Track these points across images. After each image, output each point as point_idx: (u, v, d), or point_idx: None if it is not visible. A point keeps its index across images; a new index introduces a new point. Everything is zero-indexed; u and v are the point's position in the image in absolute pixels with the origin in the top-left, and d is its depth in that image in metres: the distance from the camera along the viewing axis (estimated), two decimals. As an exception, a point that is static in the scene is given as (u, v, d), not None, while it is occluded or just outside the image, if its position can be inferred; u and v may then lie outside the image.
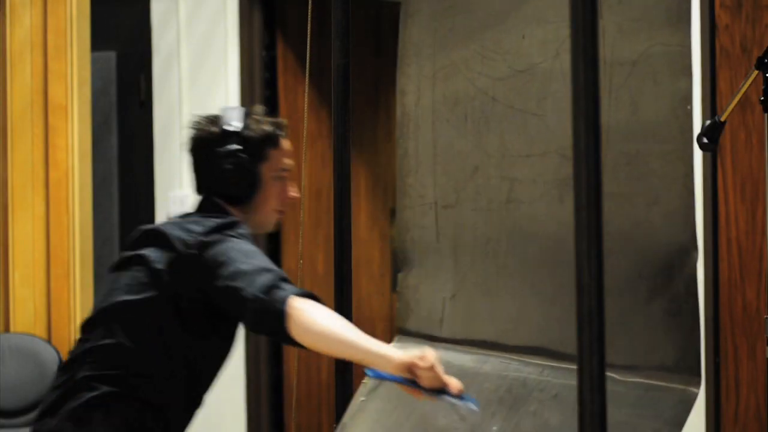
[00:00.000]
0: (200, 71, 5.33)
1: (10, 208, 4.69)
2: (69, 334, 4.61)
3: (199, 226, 2.61)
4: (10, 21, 4.69)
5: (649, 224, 2.21)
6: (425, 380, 2.20)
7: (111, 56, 5.46)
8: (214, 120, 2.76)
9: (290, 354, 5.22)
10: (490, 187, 2.59)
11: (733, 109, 3.20)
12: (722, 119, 3.18)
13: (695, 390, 2.08)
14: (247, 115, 2.77)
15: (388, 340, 2.88)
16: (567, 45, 2.37)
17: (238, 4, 5.23)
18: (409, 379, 2.21)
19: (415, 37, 2.87)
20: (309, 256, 5.31)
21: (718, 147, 3.95)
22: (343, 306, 2.90)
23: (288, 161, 2.83)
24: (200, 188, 2.79)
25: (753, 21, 4.09)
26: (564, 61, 2.37)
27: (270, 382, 5.21)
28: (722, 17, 4.12)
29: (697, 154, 4.09)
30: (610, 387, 2.19)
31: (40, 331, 4.69)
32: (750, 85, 3.15)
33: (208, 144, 2.73)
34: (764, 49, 3.12)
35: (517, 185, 2.50)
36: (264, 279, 2.42)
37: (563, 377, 2.29)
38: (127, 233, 5.70)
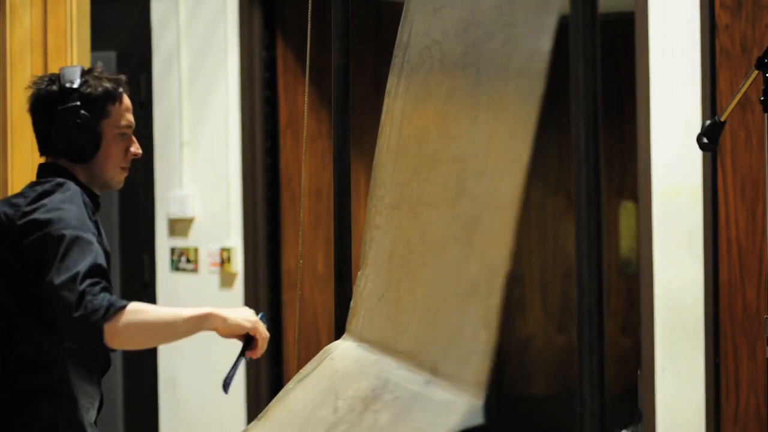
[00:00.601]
0: (200, 71, 5.33)
1: (10, 208, 4.69)
2: (69, 334, 4.61)
3: (23, 200, 2.62)
4: (10, 21, 4.69)
5: (484, 235, 2.24)
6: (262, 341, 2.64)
7: (111, 56, 5.46)
8: (54, 79, 2.76)
9: (290, 354, 5.22)
10: (419, 189, 2.63)
11: (733, 109, 3.20)
12: (722, 119, 3.18)
13: (479, 403, 2.14)
14: (87, 73, 2.77)
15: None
16: (486, 51, 2.40)
17: (238, 4, 5.23)
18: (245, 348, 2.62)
19: (405, 37, 2.88)
20: (309, 256, 5.31)
21: (718, 147, 3.95)
22: (343, 306, 2.90)
23: (130, 117, 2.82)
24: (44, 149, 2.78)
25: (753, 21, 4.09)
26: (482, 65, 2.40)
27: (270, 382, 5.21)
28: (722, 17, 4.12)
29: (697, 154, 4.10)
30: (428, 393, 2.25)
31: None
32: (750, 85, 3.15)
33: (47, 103, 2.73)
34: (764, 49, 3.12)
35: (432, 188, 2.54)
36: (72, 293, 2.42)
37: (409, 382, 2.35)
38: (127, 233, 5.72)
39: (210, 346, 5.21)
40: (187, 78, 5.34)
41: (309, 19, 2.96)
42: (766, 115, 3.14)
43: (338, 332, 2.89)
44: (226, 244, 5.25)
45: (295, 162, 5.35)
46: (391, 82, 2.91)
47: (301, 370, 2.85)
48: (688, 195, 4.19)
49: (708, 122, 3.20)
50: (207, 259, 5.29)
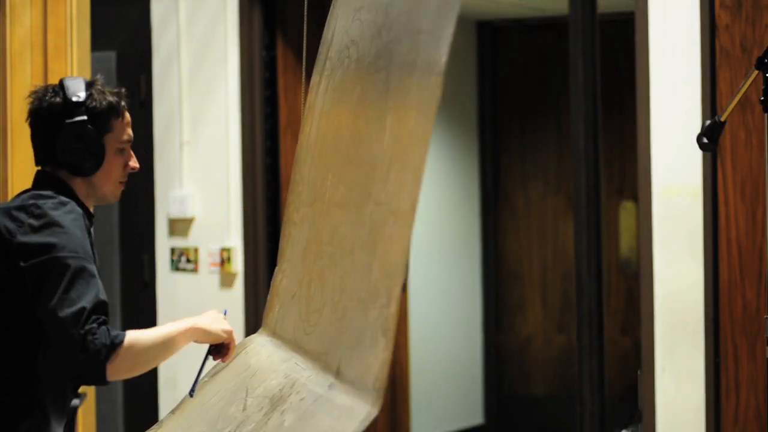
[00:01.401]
0: (200, 71, 5.33)
1: (10, 208, 4.69)
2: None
3: (26, 215, 2.59)
4: (10, 21, 4.69)
5: (386, 243, 2.24)
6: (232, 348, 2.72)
7: (111, 56, 5.46)
8: (56, 90, 2.73)
9: (290, 354, 5.23)
10: (331, 189, 2.62)
11: (733, 109, 3.20)
12: (722, 119, 3.18)
13: (375, 411, 2.14)
14: (90, 86, 2.75)
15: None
16: (396, 54, 2.39)
17: (238, 4, 5.23)
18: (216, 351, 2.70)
19: (329, 34, 2.88)
20: (309, 256, 5.31)
21: (718, 147, 3.95)
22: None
23: (130, 132, 2.82)
24: (43, 160, 2.75)
25: (753, 21, 4.09)
26: (392, 69, 2.38)
27: (270, 382, 5.21)
28: (722, 17, 4.12)
29: (697, 154, 4.10)
30: (330, 396, 2.24)
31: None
32: (750, 85, 3.16)
33: (51, 115, 2.70)
34: (764, 49, 3.12)
35: (344, 189, 2.53)
36: (76, 330, 2.43)
37: (315, 384, 2.35)
38: (127, 233, 5.72)
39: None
40: (187, 78, 5.34)
41: (305, 19, 2.96)
42: (766, 115, 3.14)
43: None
44: (226, 244, 5.25)
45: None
46: (315, 78, 2.90)
47: (216, 364, 2.87)
48: (688, 195, 4.19)
49: (708, 122, 3.20)
50: (207, 259, 5.29)
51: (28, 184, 2.80)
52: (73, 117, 2.69)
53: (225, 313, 2.75)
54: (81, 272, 2.52)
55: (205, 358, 2.71)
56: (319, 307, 2.52)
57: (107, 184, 2.78)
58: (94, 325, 2.44)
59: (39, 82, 4.72)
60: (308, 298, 2.62)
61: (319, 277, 2.58)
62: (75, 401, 2.85)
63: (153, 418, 5.34)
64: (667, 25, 4.22)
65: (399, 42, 2.33)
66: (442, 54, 2.09)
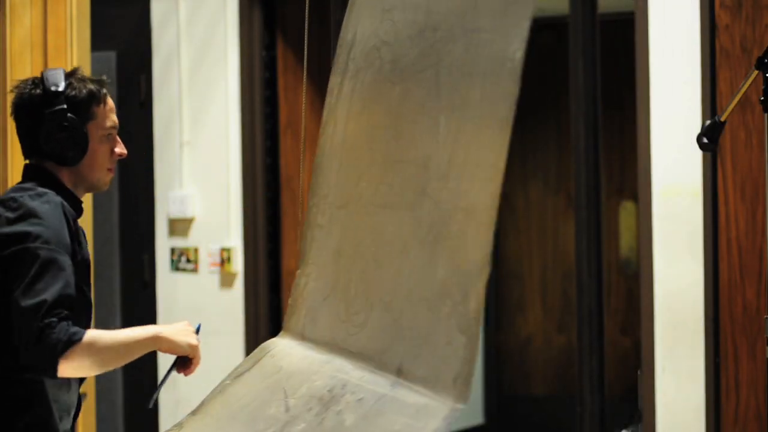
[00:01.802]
0: (200, 71, 5.33)
1: (10, 208, 4.69)
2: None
3: (3, 209, 2.62)
4: (10, 21, 4.69)
5: (461, 239, 2.24)
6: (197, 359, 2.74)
7: (111, 56, 5.46)
8: (37, 82, 2.74)
9: (290, 354, 5.23)
10: (370, 190, 2.61)
11: (733, 109, 3.20)
12: (722, 119, 3.18)
13: (460, 407, 2.14)
14: (70, 75, 2.76)
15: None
16: (447, 55, 2.39)
17: (238, 4, 5.23)
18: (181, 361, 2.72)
19: (349, 36, 2.87)
20: (309, 256, 5.31)
21: (718, 147, 3.95)
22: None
23: (114, 118, 2.81)
24: (29, 153, 2.78)
25: (753, 21, 4.09)
26: (442, 69, 2.39)
27: (270, 382, 5.21)
28: (722, 17, 4.12)
29: (697, 154, 4.10)
30: (397, 395, 2.24)
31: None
32: (750, 85, 3.15)
33: (32, 106, 2.72)
34: (764, 49, 3.12)
35: (389, 190, 2.53)
36: (35, 322, 2.45)
37: (373, 384, 2.34)
38: (127, 233, 5.72)
39: (210, 347, 5.21)
40: (187, 78, 5.34)
41: (306, 18, 2.96)
42: (766, 115, 3.14)
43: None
44: (226, 244, 5.25)
45: (295, 162, 5.35)
46: (334, 80, 2.89)
47: (237, 366, 2.85)
48: (688, 195, 4.19)
49: (708, 122, 3.20)
50: (207, 259, 5.29)
51: (28, 184, 2.81)
52: (53, 107, 2.70)
53: (198, 328, 2.75)
54: (50, 264, 2.53)
55: (170, 369, 2.72)
56: (364, 308, 2.51)
57: (95, 172, 2.78)
58: (54, 319, 2.45)
59: (39, 82, 4.73)
60: (347, 300, 2.61)
61: (359, 278, 2.57)
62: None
63: (153, 418, 5.34)
64: (667, 25, 4.22)
65: (450, 41, 2.33)
66: (515, 50, 2.09)
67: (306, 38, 2.98)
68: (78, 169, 2.76)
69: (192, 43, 5.34)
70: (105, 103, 2.78)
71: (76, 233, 2.68)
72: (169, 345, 2.66)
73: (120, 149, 2.82)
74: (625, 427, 4.76)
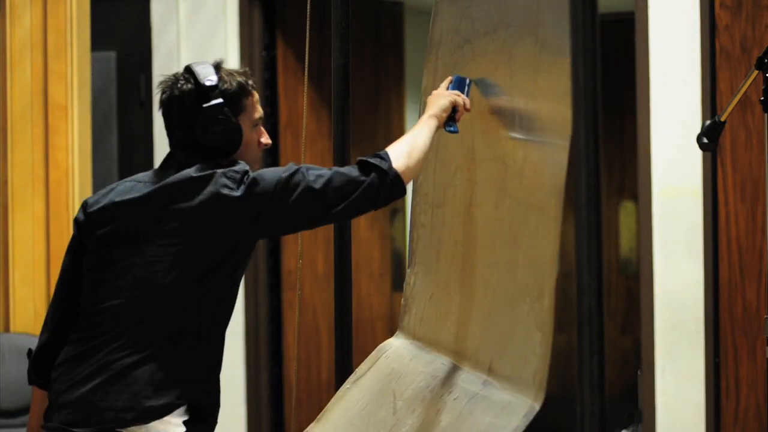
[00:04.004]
0: (200, 71, 5.33)
1: (10, 208, 4.69)
2: (69, 334, 4.61)
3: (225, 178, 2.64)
4: (10, 21, 4.69)
5: (532, 237, 2.24)
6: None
7: (111, 56, 5.46)
8: (187, 77, 2.75)
9: (290, 354, 5.22)
10: (461, 189, 2.63)
11: (733, 109, 3.20)
12: (722, 119, 3.18)
13: (537, 406, 2.14)
14: (218, 69, 2.77)
15: (387, 338, 2.91)
16: (515, 50, 2.40)
17: (238, 4, 5.23)
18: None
19: (436, 36, 2.88)
20: (309, 256, 5.31)
21: (718, 147, 3.95)
22: (343, 306, 2.90)
23: (260, 109, 2.83)
24: (181, 146, 2.75)
25: (753, 21, 4.09)
26: (512, 65, 2.40)
27: (270, 382, 5.21)
28: (722, 17, 4.12)
29: (697, 154, 4.10)
30: (486, 393, 2.23)
31: (40, 331, 4.69)
32: (750, 85, 3.15)
33: (187, 101, 2.72)
34: (764, 49, 3.12)
35: (476, 188, 2.54)
36: (349, 170, 2.63)
37: (467, 383, 2.34)
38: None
39: (210, 346, 5.21)
40: (187, 78, 5.34)
41: (308, 18, 2.96)
42: (766, 115, 3.13)
43: (338, 332, 2.89)
44: (226, 244, 5.24)
45: (295, 162, 5.35)
46: (426, 79, 2.90)
47: (356, 370, 2.83)
48: (688, 195, 4.19)
49: (708, 122, 3.20)
50: (207, 259, 5.28)
51: (29, 184, 2.81)
52: (209, 101, 2.71)
53: (457, 81, 2.74)
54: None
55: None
56: (463, 307, 2.52)
57: (247, 163, 2.77)
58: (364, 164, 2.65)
59: (39, 82, 4.72)
60: (447, 298, 2.61)
61: (457, 276, 2.58)
62: None
63: (153, 418, 5.34)
64: (667, 25, 4.22)
65: (520, 38, 2.34)
66: (567, 45, 2.13)
67: (307, 38, 2.99)
68: (229, 161, 2.75)
69: (192, 43, 5.34)
70: (252, 95, 2.80)
71: None
72: (440, 114, 2.68)
73: (265, 139, 2.83)
74: (625, 427, 4.76)
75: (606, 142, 4.45)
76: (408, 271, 2.93)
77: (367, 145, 5.60)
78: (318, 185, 2.64)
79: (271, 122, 5.30)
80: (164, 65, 5.39)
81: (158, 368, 2.60)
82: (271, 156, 5.29)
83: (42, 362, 2.81)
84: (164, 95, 2.76)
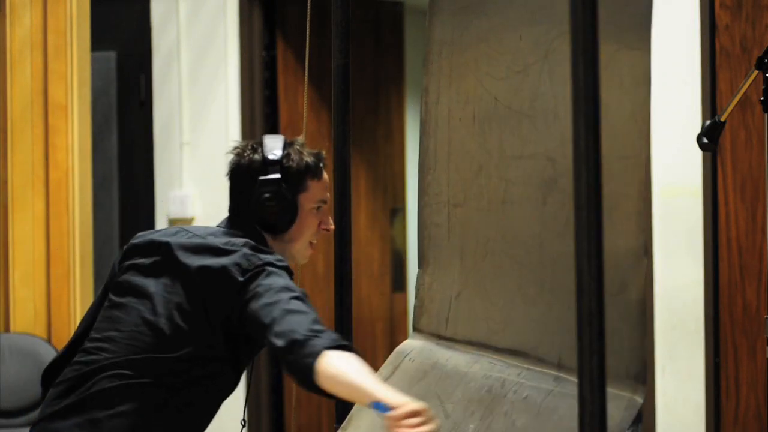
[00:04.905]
0: (200, 71, 5.33)
1: (10, 208, 4.69)
2: (69, 334, 4.61)
3: (254, 255, 2.60)
4: (10, 21, 4.69)
5: (608, 229, 2.23)
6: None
7: (111, 56, 5.46)
8: (256, 148, 2.74)
9: (290, 354, 5.22)
10: (490, 187, 2.59)
11: (733, 109, 3.20)
12: (722, 119, 3.18)
13: (640, 399, 2.11)
14: (289, 145, 2.75)
15: (387, 339, 2.91)
16: (554, 46, 2.38)
17: (238, 4, 5.23)
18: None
19: (438, 35, 2.86)
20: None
21: (718, 147, 3.95)
22: (343, 306, 2.90)
23: (326, 194, 2.80)
24: (238, 214, 2.76)
25: (753, 21, 4.09)
26: (552, 62, 2.38)
27: (270, 382, 5.21)
28: (722, 17, 4.12)
29: (697, 154, 4.10)
30: (564, 389, 2.19)
31: (40, 331, 4.69)
32: (750, 85, 3.15)
33: (248, 171, 2.72)
34: (764, 49, 3.12)
35: (511, 186, 2.51)
36: (300, 327, 2.42)
37: (535, 380, 2.30)
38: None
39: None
40: (187, 78, 5.34)
41: (308, 19, 2.96)
42: (766, 115, 3.13)
43: (338, 332, 2.88)
44: (226, 244, 5.24)
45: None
46: (429, 80, 2.88)
47: (377, 373, 2.79)
48: (688, 195, 4.19)
49: (708, 122, 3.20)
50: (207, 259, 5.28)
51: (29, 184, 2.81)
52: (267, 174, 2.70)
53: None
54: (294, 288, 2.57)
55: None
56: (506, 304, 2.48)
57: (298, 243, 2.76)
58: (317, 331, 2.44)
59: (39, 82, 4.72)
60: (483, 296, 2.57)
61: (494, 274, 2.54)
62: None
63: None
64: (667, 25, 4.22)
65: (561, 33, 2.32)
66: (614, 49, 2.11)
67: (307, 38, 2.98)
68: (284, 238, 2.74)
69: (192, 43, 5.34)
70: (320, 177, 2.77)
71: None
72: (393, 401, 2.31)
73: (326, 224, 2.79)
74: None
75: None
76: (419, 271, 2.89)
77: (367, 145, 5.60)
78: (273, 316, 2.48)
79: (271, 122, 5.31)
80: (164, 65, 5.39)
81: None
82: (271, 156, 5.29)
83: (49, 374, 2.78)
84: (233, 160, 2.76)
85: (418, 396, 2.54)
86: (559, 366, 2.26)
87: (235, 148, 2.77)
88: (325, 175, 2.80)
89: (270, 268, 2.56)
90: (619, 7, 2.18)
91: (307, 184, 2.74)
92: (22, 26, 4.70)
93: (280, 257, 2.63)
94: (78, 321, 4.40)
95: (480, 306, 2.58)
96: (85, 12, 4.74)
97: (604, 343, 1.71)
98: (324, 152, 2.83)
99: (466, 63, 2.71)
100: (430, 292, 2.81)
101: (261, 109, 5.26)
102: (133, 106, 5.40)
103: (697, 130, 3.28)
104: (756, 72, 3.10)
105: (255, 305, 2.51)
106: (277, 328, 2.44)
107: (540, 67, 2.41)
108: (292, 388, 5.12)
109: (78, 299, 4.69)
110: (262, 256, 2.60)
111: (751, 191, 4.09)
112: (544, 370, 2.28)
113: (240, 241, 2.63)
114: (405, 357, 2.78)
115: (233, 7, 5.24)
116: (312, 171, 2.75)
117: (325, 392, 2.38)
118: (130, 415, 2.58)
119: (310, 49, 3.01)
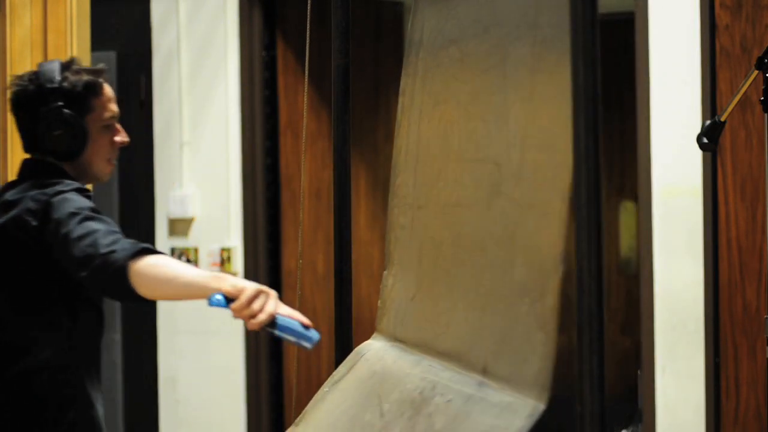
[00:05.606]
0: (200, 71, 5.33)
1: (10, 208, 4.69)
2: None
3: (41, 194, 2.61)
4: (10, 21, 4.69)
5: (534, 234, 2.24)
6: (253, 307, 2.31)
7: (111, 56, 5.46)
8: (32, 77, 2.70)
9: (290, 354, 5.22)
10: (446, 190, 2.61)
11: (733, 109, 3.20)
12: (722, 119, 3.18)
13: (542, 406, 2.12)
14: (65, 68, 2.71)
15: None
16: (510, 50, 2.39)
17: (238, 4, 5.23)
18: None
19: (416, 36, 2.87)
20: (309, 256, 5.31)
21: (718, 147, 3.95)
22: (343, 306, 2.90)
23: (113, 107, 2.77)
24: (30, 148, 2.76)
25: (753, 21, 4.09)
26: (508, 66, 2.39)
27: (270, 382, 5.21)
28: (722, 17, 4.12)
29: (697, 154, 4.10)
30: (483, 395, 2.22)
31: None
32: (750, 85, 3.15)
33: (29, 103, 2.69)
34: (764, 49, 3.12)
35: (463, 189, 2.53)
36: (96, 249, 2.47)
37: (461, 384, 2.33)
38: (127, 233, 5.70)
39: (210, 347, 5.21)
40: (187, 78, 5.34)
41: (308, 19, 2.96)
42: (766, 115, 3.14)
43: (338, 332, 2.88)
44: (226, 244, 5.25)
45: (295, 162, 5.35)
46: (405, 81, 2.89)
47: (333, 373, 2.80)
48: (688, 195, 4.19)
49: (708, 122, 3.20)
50: (207, 259, 5.28)
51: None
52: (48, 104, 2.67)
53: (307, 340, 2.50)
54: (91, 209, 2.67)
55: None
56: (450, 308, 2.50)
57: (96, 164, 2.76)
58: (118, 241, 2.61)
59: (39, 82, 4.72)
60: (433, 299, 2.59)
61: (444, 277, 2.56)
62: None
63: (153, 418, 5.34)
64: (667, 25, 4.22)
65: (516, 38, 2.33)
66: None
67: (307, 38, 2.98)
68: (79, 163, 2.74)
69: (192, 43, 5.34)
70: (102, 93, 2.74)
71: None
72: (227, 286, 2.46)
73: (120, 138, 2.79)
74: (625, 427, 4.76)
75: (606, 142, 4.46)
76: (385, 272, 2.91)
77: (367, 145, 5.60)
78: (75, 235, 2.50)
79: (271, 122, 5.31)
80: (164, 65, 5.39)
81: None
82: (271, 156, 5.30)
83: None
84: (11, 96, 2.73)
85: (361, 395, 2.58)
86: (484, 372, 2.28)
87: (13, 83, 2.73)
88: (107, 89, 2.75)
89: (58, 197, 2.56)
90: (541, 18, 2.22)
91: (90, 104, 2.71)
92: (22, 26, 4.70)
93: (68, 182, 2.63)
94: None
95: (429, 309, 2.61)
96: (85, 12, 4.74)
97: (603, 343, 1.71)
98: (104, 65, 2.79)
99: (438, 65, 2.73)
100: (392, 294, 2.83)
101: (261, 109, 5.26)
102: (133, 106, 5.40)
103: (697, 130, 3.28)
104: (756, 72, 3.10)
105: (56, 245, 2.52)
106: (78, 260, 2.46)
107: (498, 71, 2.42)
108: (292, 387, 5.12)
109: (78, 299, 4.69)
110: (48, 189, 2.60)
111: (751, 191, 4.09)
112: (471, 375, 2.29)
113: (27, 184, 2.65)
114: (361, 357, 2.81)
115: (233, 7, 5.24)
116: (93, 89, 2.71)
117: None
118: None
119: (310, 49, 3.01)
